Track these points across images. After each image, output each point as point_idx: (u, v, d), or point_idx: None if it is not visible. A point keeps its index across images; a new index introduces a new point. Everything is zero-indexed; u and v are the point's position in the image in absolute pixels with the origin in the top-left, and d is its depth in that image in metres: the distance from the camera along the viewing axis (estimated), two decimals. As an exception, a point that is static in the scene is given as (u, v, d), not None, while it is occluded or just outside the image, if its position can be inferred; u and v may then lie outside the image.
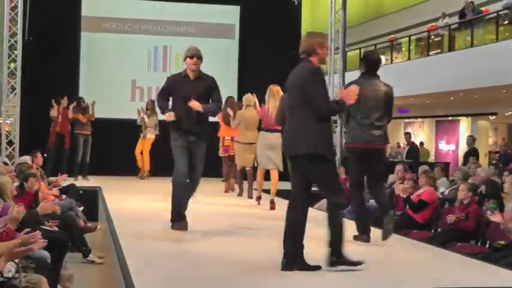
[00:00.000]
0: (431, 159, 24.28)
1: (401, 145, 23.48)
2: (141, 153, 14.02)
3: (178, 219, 7.09)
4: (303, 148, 5.36)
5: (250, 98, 10.89)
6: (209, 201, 10.20)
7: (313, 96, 5.37)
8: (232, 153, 11.75)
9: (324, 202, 11.45)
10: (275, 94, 9.65)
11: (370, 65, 7.20)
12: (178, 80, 7.36)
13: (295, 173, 5.64)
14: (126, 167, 14.04)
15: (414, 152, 17.89)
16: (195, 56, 7.20)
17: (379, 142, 6.99)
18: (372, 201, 10.30)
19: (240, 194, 11.52)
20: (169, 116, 7.05)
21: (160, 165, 13.45)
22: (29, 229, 5.06)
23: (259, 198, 10.24)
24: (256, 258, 5.87)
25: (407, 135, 19.10)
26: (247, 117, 10.79)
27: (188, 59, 7.25)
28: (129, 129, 13.96)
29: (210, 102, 7.31)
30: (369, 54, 8.16)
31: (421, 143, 25.78)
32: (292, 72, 5.79)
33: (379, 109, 6.96)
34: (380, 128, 6.99)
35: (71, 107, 13.28)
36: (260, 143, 9.98)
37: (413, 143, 18.97)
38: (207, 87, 7.31)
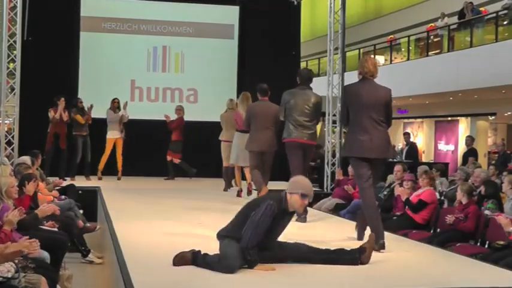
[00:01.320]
0: (431, 159, 24.34)
1: (400, 145, 23.50)
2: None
3: None
4: (390, 153, 7.08)
5: (231, 102, 12.34)
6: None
7: (391, 115, 6.73)
8: None
9: (322, 202, 11.51)
10: (245, 100, 10.90)
11: (301, 79, 8.81)
12: None
13: (370, 169, 6.59)
14: (124, 168, 14.01)
15: (414, 152, 17.88)
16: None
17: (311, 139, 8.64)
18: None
19: (225, 189, 12.30)
20: None
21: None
22: (28, 237, 5.06)
23: (241, 191, 11.24)
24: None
25: (407, 135, 19.10)
26: (227, 119, 12.11)
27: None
28: (129, 129, 13.94)
29: None
30: (302, 70, 9.74)
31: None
32: (366, 88, 6.66)
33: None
34: (310, 128, 8.59)
35: (61, 110, 13.22)
36: (239, 143, 10.84)
37: (412, 143, 18.97)
38: None
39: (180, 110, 14.19)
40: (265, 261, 5.41)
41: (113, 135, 13.69)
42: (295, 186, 5.59)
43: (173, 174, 14.31)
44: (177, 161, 14.11)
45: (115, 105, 13.65)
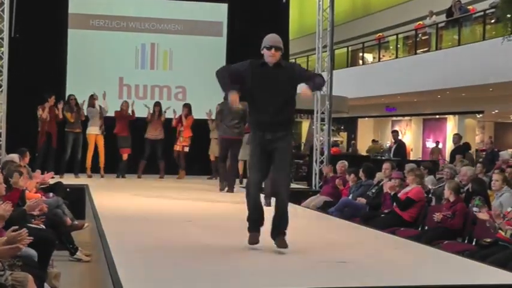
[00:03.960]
0: (419, 157, 24.44)
1: (389, 143, 23.63)
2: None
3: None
4: None
5: None
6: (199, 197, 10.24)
7: None
8: None
9: (310, 200, 11.53)
10: None
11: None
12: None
13: None
14: (114, 165, 13.98)
15: (402, 149, 17.93)
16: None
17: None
18: (360, 199, 10.40)
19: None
20: None
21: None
22: (17, 227, 5.04)
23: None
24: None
25: (395, 133, 19.16)
26: None
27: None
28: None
29: None
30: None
31: (375, 141, 26.24)
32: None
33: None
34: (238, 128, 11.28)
35: (59, 106, 13.21)
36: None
37: (400, 140, 19.03)
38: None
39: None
40: None
41: (93, 131, 13.67)
42: (262, 43, 6.31)
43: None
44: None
45: (93, 101, 13.64)
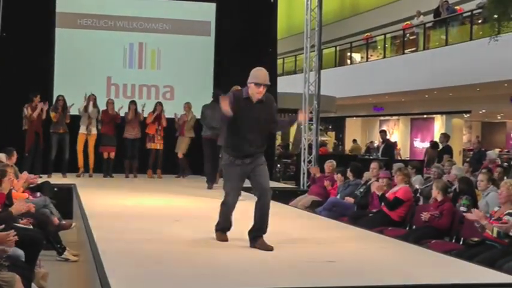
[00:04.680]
0: (407, 156, 24.51)
1: (377, 143, 23.71)
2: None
3: None
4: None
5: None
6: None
7: None
8: None
9: (298, 199, 11.53)
10: None
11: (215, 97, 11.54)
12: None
13: None
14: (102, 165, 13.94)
15: (390, 149, 17.98)
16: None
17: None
18: (347, 198, 10.41)
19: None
20: None
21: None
22: (3, 226, 5.02)
23: None
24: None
25: (383, 133, 19.20)
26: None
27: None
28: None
29: None
30: (216, 91, 12.36)
31: (354, 140, 26.45)
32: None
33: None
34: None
35: (43, 106, 13.10)
36: None
37: (388, 140, 19.08)
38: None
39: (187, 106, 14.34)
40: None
41: (83, 130, 13.63)
42: (250, 77, 6.40)
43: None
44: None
45: (88, 102, 13.61)
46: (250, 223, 6.41)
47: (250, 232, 6.39)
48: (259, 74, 6.42)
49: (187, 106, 14.21)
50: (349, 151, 24.43)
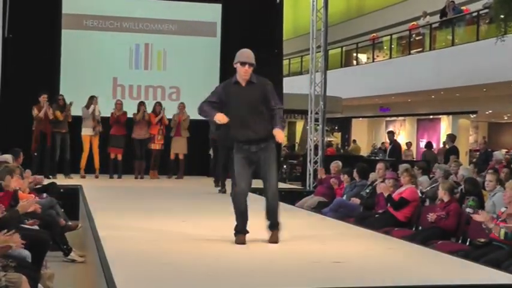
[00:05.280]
0: (413, 157, 24.42)
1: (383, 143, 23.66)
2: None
3: None
4: None
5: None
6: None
7: None
8: None
9: (304, 200, 11.52)
10: None
11: None
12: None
13: None
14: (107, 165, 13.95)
15: (397, 150, 17.95)
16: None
17: None
18: (354, 199, 10.40)
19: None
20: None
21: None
22: (6, 230, 5.03)
23: None
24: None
25: (391, 133, 19.17)
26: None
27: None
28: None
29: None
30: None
31: (354, 141, 26.45)
32: None
33: None
34: None
35: (48, 107, 13.13)
36: None
37: (396, 141, 19.05)
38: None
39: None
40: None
41: (87, 132, 13.62)
42: (235, 59, 6.38)
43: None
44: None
45: (90, 103, 13.62)
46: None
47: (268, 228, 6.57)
48: (242, 52, 6.43)
49: (182, 106, 14.23)
50: (349, 151, 24.43)
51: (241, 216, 6.46)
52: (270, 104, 6.43)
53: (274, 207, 6.49)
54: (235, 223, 6.50)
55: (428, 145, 18.16)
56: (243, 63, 6.35)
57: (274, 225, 6.52)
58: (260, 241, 6.46)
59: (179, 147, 14.19)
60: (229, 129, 6.54)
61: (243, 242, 6.38)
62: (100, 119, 13.67)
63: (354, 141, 26.83)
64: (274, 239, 6.43)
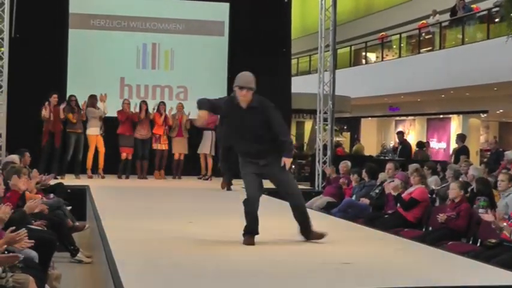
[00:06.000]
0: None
1: (392, 143, 23.61)
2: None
3: None
4: None
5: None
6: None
7: None
8: None
9: (313, 200, 11.46)
10: None
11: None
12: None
13: None
14: (116, 166, 13.93)
15: (407, 150, 17.86)
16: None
17: None
18: (363, 199, 10.33)
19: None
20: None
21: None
22: (14, 227, 5.01)
23: None
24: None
25: (400, 134, 19.09)
26: None
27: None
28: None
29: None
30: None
31: (358, 140, 26.39)
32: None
33: None
34: None
35: (61, 107, 13.13)
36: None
37: (405, 141, 18.96)
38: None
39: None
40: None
41: (93, 132, 13.60)
42: (235, 80, 6.42)
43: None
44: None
45: (94, 102, 13.61)
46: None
47: (301, 233, 6.64)
48: (240, 76, 6.42)
49: (180, 106, 14.23)
50: (353, 151, 24.34)
51: (252, 219, 6.42)
52: (276, 135, 6.35)
53: (301, 213, 6.61)
54: (245, 224, 6.45)
55: (420, 145, 18.00)
56: (241, 88, 6.34)
57: (308, 228, 6.63)
58: (268, 242, 6.42)
59: (181, 147, 14.14)
60: (233, 145, 6.70)
61: (252, 243, 6.34)
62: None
63: (358, 140, 26.76)
64: (318, 236, 6.60)
